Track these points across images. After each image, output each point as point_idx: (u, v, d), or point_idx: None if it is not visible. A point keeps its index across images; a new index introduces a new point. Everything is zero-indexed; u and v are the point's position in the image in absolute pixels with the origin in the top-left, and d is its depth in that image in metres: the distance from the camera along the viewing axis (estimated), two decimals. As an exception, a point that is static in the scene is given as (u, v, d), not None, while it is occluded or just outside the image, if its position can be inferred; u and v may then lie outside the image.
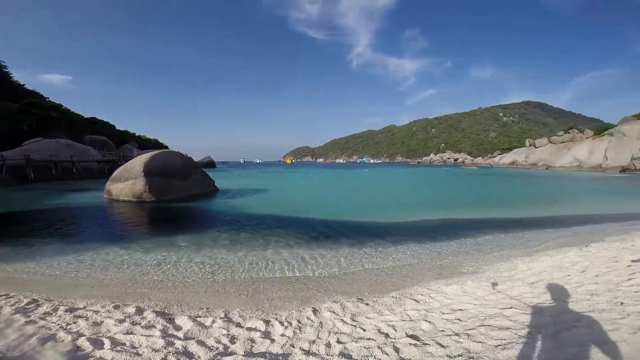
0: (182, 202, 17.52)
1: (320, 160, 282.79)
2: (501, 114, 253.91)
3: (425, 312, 4.39)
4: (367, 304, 4.90)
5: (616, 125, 78.08)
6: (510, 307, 4.31)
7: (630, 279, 5.79)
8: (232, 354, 3.43)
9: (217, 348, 3.57)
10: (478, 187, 32.14)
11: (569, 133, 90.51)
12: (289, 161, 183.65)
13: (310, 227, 11.37)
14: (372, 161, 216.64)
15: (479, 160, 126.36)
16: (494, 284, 5.70)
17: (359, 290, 5.82)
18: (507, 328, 3.56)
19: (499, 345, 3.18)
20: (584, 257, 7.73)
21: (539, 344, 3.13)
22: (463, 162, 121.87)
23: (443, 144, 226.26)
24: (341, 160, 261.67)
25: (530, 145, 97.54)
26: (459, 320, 4.00)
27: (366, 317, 4.34)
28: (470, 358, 3.02)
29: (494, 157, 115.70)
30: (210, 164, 74.24)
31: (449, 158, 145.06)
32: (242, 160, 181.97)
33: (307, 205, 17.35)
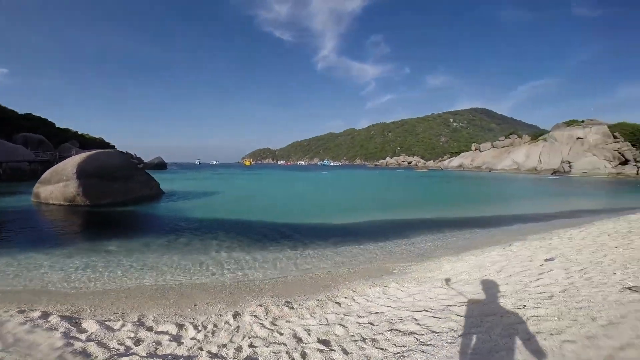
0: (121, 206, 16.26)
1: (281, 162, 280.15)
2: (451, 120, 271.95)
3: (342, 316, 4.38)
4: (292, 308, 4.85)
5: (549, 132, 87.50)
6: (423, 310, 4.37)
7: (538, 279, 6.14)
8: (132, 354, 3.40)
9: (117, 349, 3.54)
10: (425, 189, 33.76)
11: (510, 138, 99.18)
12: (247, 163, 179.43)
13: (254, 230, 11.14)
14: (332, 163, 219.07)
15: (431, 163, 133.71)
16: (415, 285, 5.74)
17: (289, 293, 5.74)
18: (412, 333, 3.60)
19: (397, 353, 3.20)
20: (504, 256, 8.18)
21: (435, 351, 3.16)
22: (416, 165, 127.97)
23: (399, 148, 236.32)
24: (302, 163, 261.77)
25: (476, 149, 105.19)
26: (371, 324, 4.02)
27: (286, 321, 4.32)
28: (368, 366, 3.01)
29: (444, 160, 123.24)
30: (161, 165, 69.94)
31: (403, 161, 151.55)
32: (197, 162, 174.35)
33: (256, 208, 17.03)
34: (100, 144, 73.60)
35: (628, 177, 53.95)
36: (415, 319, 4.03)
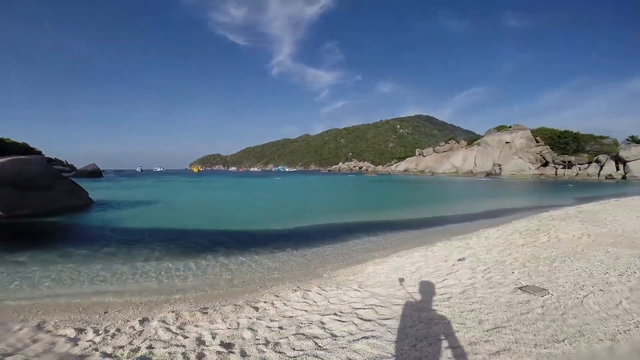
0: (43, 217, 14.66)
1: (233, 168, 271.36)
2: (398, 126, 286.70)
3: (255, 320, 4.35)
4: (206, 313, 4.77)
5: (482, 137, 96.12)
6: (332, 314, 4.40)
7: (444, 280, 5.97)
8: (23, 353, 3.55)
9: (5, 350, 3.62)
10: (370, 193, 34.44)
11: (449, 143, 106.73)
12: (196, 169, 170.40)
13: (190, 238, 10.65)
14: (287, 170, 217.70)
15: (380, 168, 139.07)
16: (335, 289, 5.64)
17: (211, 299, 5.59)
18: (314, 337, 3.66)
19: (293, 357, 3.24)
20: (424, 257, 8.12)
21: (327, 356, 3.21)
22: (366, 170, 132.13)
23: (351, 153, 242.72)
24: (256, 169, 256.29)
25: (419, 154, 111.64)
26: (280, 328, 4.03)
27: (195, 326, 4.29)
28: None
29: (392, 165, 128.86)
30: (96, 173, 63.56)
31: (355, 166, 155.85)
32: (138, 169, 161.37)
33: (197, 216, 16.27)
34: (24, 149, 65.17)
35: (548, 178, 60.80)
36: (322, 323, 4.06)
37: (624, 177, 51.47)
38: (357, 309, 4.51)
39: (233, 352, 3.43)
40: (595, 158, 59.47)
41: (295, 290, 5.68)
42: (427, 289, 5.38)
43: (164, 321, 4.48)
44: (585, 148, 69.42)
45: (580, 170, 59.07)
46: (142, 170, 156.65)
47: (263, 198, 28.43)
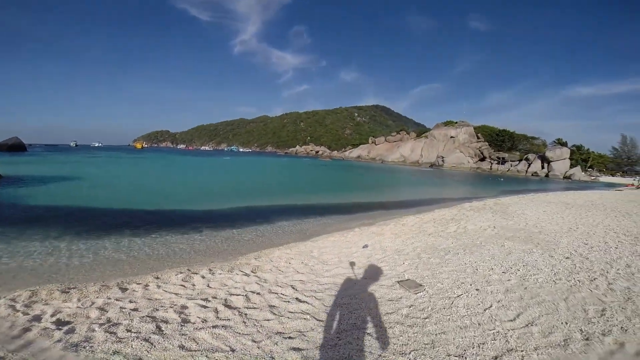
0: None
1: (182, 146, 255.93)
2: (356, 114, 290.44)
3: (113, 301, 4.12)
4: (66, 292, 4.43)
5: (430, 130, 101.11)
6: (201, 299, 4.19)
7: (336, 268, 5.62)
8: None
9: None
10: (319, 176, 34.25)
11: (400, 134, 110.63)
12: (139, 146, 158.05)
13: (94, 217, 10.02)
14: (241, 150, 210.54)
15: (335, 153, 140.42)
16: (225, 273, 5.35)
17: (84, 281, 5.17)
18: (163, 321, 3.53)
19: (123, 338, 3.11)
20: (335, 242, 7.75)
21: (161, 340, 3.12)
22: (322, 154, 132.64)
23: (309, 137, 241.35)
24: (207, 148, 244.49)
25: (372, 142, 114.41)
26: (134, 310, 3.85)
27: (45, 304, 4.03)
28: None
29: (346, 151, 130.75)
30: (18, 147, 56.30)
31: (312, 150, 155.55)
32: (73, 144, 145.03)
33: (111, 194, 15.14)
34: None
35: (484, 172, 65.72)
36: (184, 308, 3.90)
37: (547, 175, 57.46)
38: (231, 294, 4.34)
39: (60, 329, 3.29)
40: (525, 156, 65.56)
41: (180, 273, 5.31)
42: (313, 278, 5.13)
43: (14, 299, 4.17)
44: (518, 147, 76.28)
45: (511, 166, 64.78)
46: (76, 146, 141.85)
47: (202, 177, 27.12)
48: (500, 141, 79.41)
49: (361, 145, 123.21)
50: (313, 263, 5.94)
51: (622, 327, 3.43)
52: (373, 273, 5.27)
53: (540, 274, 5.25)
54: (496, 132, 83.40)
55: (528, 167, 61.46)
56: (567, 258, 6.18)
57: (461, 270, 5.46)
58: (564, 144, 68.04)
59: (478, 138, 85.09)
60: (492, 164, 69.57)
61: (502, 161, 68.39)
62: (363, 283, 4.81)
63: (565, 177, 54.93)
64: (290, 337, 3.15)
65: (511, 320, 3.60)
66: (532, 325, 3.51)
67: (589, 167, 67.25)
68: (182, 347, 2.97)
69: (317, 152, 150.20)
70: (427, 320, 3.59)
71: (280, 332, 3.27)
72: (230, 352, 2.88)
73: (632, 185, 38.16)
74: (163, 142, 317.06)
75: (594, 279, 4.99)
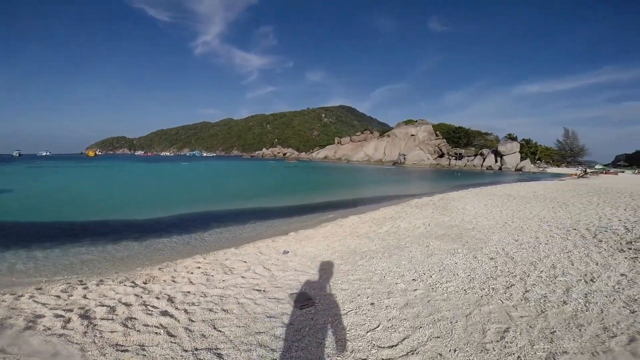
0: None
1: (140, 152, 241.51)
2: (323, 115, 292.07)
3: None
4: None
5: (393, 129, 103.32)
6: (63, 310, 3.86)
7: (239, 277, 4.62)
8: None
9: None
10: (280, 178, 33.06)
11: (364, 134, 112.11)
12: (92, 153, 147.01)
13: (17, 230, 9.25)
14: (205, 154, 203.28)
15: (303, 154, 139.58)
16: (114, 285, 4.81)
17: None
18: (8, 327, 3.38)
19: None
20: (259, 249, 6.99)
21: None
22: (289, 156, 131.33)
23: (276, 140, 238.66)
24: (168, 153, 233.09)
25: (338, 142, 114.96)
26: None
27: None
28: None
29: (313, 152, 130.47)
30: None
31: (279, 152, 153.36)
32: (16, 153, 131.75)
33: (40, 205, 14.00)
34: None
35: (443, 167, 67.93)
36: (40, 316, 3.67)
37: (500, 168, 60.38)
38: (99, 305, 3.98)
39: None
40: (480, 151, 68.67)
41: (65, 284, 4.82)
42: (202, 289, 4.49)
43: None
44: (474, 142, 79.91)
45: (468, 161, 67.48)
46: (20, 155, 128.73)
47: (145, 184, 24.88)
48: (457, 138, 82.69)
49: (327, 146, 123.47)
50: (216, 273, 5.20)
51: (518, 357, 2.62)
52: (272, 283, 4.59)
53: (454, 280, 4.48)
54: (453, 129, 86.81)
55: (483, 162, 64.24)
56: (491, 259, 5.49)
57: (367, 279, 4.62)
58: (515, 139, 72.08)
59: (437, 135, 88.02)
60: (450, 159, 72.04)
61: (459, 157, 71.05)
62: (252, 295, 4.18)
63: (516, 170, 57.95)
64: (126, 350, 2.91)
65: (391, 347, 2.86)
66: (413, 354, 2.72)
67: (537, 160, 71.75)
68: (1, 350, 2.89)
69: (284, 154, 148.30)
70: (294, 344, 2.87)
71: (119, 345, 3.03)
72: (50, 357, 2.82)
73: (575, 175, 40.76)
74: (119, 149, 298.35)
75: (511, 285, 4.25)
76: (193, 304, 3.96)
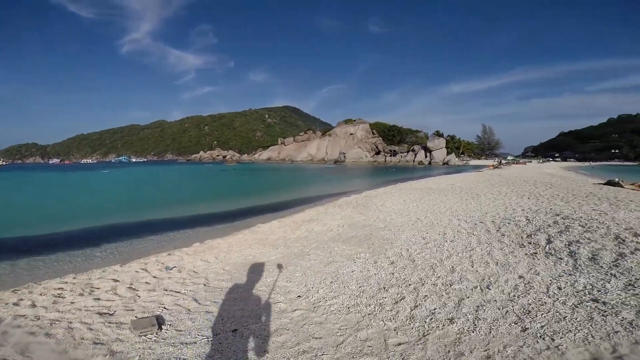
0: None
1: (55, 161, 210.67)
2: (267, 116, 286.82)
3: None
4: None
5: (334, 128, 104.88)
6: None
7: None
8: None
9: None
10: (213, 182, 30.47)
11: (307, 134, 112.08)
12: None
13: None
14: (134, 160, 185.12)
15: (245, 157, 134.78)
16: None
17: None
18: None
19: None
20: (146, 265, 5.47)
21: None
22: (229, 159, 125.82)
23: (216, 142, 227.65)
24: (90, 160, 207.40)
25: (282, 143, 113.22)
26: None
27: None
28: None
29: (256, 154, 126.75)
30: None
31: (218, 155, 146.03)
32: None
33: None
34: None
35: (379, 164, 70.62)
36: None
37: (429, 163, 64.72)
38: None
39: None
40: (412, 148, 72.99)
41: None
42: (42, 313, 3.75)
43: None
44: (406, 140, 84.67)
45: (401, 157, 71.28)
46: None
47: (44, 196, 20.70)
48: (392, 135, 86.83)
49: (271, 147, 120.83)
50: (71, 294, 4.29)
51: None
52: (127, 306, 3.84)
53: (342, 295, 3.80)
54: (388, 127, 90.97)
55: (414, 157, 68.26)
56: (392, 263, 4.82)
57: (245, 297, 4.00)
58: (441, 135, 77.96)
59: (373, 134, 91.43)
60: (386, 156, 75.27)
61: (394, 153, 74.61)
62: (92, 319, 3.54)
63: (443, 163, 62.55)
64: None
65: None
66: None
67: (461, 153, 78.61)
68: None
69: (224, 157, 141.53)
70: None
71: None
72: None
73: (492, 166, 45.00)
74: (30, 157, 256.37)
75: (402, 299, 3.58)
76: (19, 326, 3.39)
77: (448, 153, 67.95)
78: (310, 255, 5.55)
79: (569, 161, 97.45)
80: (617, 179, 14.89)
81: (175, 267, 5.31)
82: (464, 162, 66.12)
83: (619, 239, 4.75)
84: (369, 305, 3.51)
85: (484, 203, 9.83)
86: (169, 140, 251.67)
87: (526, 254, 4.82)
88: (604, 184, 15.04)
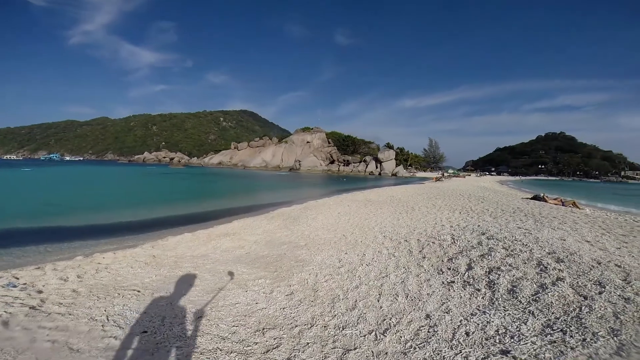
0: None
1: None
2: (222, 119, 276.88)
3: None
4: None
5: (291, 135, 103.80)
6: None
7: None
8: None
9: None
10: (143, 186, 27.39)
11: (263, 139, 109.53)
12: None
13: None
14: (68, 158, 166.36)
15: (194, 160, 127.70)
16: None
17: None
18: None
19: None
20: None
21: None
22: (178, 161, 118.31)
23: (164, 143, 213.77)
24: (14, 157, 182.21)
25: (234, 147, 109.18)
26: None
27: None
28: None
29: (206, 157, 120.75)
30: None
31: (165, 157, 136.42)
32: None
33: None
34: None
35: (333, 173, 70.89)
36: None
37: (380, 174, 66.42)
38: None
39: None
40: (364, 159, 74.58)
41: None
42: None
43: None
44: (359, 150, 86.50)
45: (354, 167, 72.42)
46: None
47: None
48: (346, 145, 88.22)
49: (223, 151, 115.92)
50: None
51: None
52: None
53: (202, 337, 2.84)
54: (343, 137, 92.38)
55: (366, 167, 69.70)
56: (290, 295, 3.96)
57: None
58: (392, 147, 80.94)
59: (329, 143, 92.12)
60: (339, 166, 75.92)
61: (347, 163, 75.59)
62: None
63: (392, 174, 64.59)
64: None
65: None
66: None
67: (409, 165, 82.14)
68: None
69: (171, 159, 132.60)
70: None
71: None
72: None
73: (435, 179, 47.15)
74: None
75: (276, 346, 2.82)
76: None
77: (397, 165, 70.47)
78: (196, 279, 4.44)
79: (503, 175, 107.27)
80: (542, 194, 15.83)
81: (24, 284, 3.95)
82: (411, 174, 68.96)
83: (541, 266, 4.33)
84: (230, 354, 2.53)
85: (416, 218, 9.43)
86: (111, 139, 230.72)
87: (443, 283, 4.19)
88: (531, 198, 15.88)
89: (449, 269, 4.65)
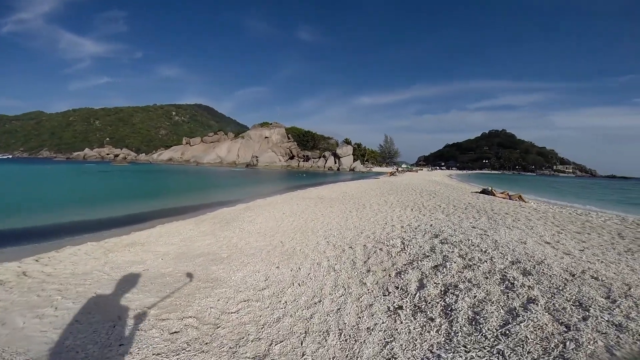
0: None
1: None
2: (174, 113, 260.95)
3: None
4: None
5: (248, 130, 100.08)
6: None
7: None
8: None
9: None
10: (70, 187, 23.80)
11: (217, 134, 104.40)
12: None
13: None
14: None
15: (142, 156, 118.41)
16: None
17: None
18: None
19: None
20: None
21: None
22: (123, 158, 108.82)
23: (108, 138, 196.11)
24: None
25: (186, 143, 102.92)
26: None
27: None
28: None
29: (155, 153, 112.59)
30: None
31: (108, 153, 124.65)
32: None
33: None
34: None
35: (293, 169, 69.48)
36: None
37: (338, 169, 66.47)
38: None
39: None
40: (323, 154, 74.06)
41: None
42: None
43: None
44: (319, 146, 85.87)
45: (313, 163, 71.66)
46: None
47: None
48: (306, 141, 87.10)
49: (173, 147, 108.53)
50: None
51: None
52: None
53: None
54: (302, 133, 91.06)
55: (325, 163, 69.32)
56: (175, 334, 2.63)
57: None
58: (349, 143, 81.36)
59: (289, 138, 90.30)
60: (299, 161, 74.67)
61: (307, 159, 74.61)
62: None
63: (350, 170, 64.96)
64: None
65: None
66: None
67: (365, 161, 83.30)
68: None
69: (115, 155, 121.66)
70: None
71: None
72: None
73: (390, 173, 47.86)
74: None
75: None
76: None
77: (355, 160, 71.01)
78: (63, 306, 2.98)
79: (452, 169, 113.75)
80: (490, 188, 16.02)
81: None
82: (368, 169, 69.95)
83: (506, 282, 3.51)
84: None
85: (365, 217, 8.54)
86: (47, 134, 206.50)
87: (388, 310, 3.21)
88: (480, 192, 16.00)
89: (397, 287, 3.69)
